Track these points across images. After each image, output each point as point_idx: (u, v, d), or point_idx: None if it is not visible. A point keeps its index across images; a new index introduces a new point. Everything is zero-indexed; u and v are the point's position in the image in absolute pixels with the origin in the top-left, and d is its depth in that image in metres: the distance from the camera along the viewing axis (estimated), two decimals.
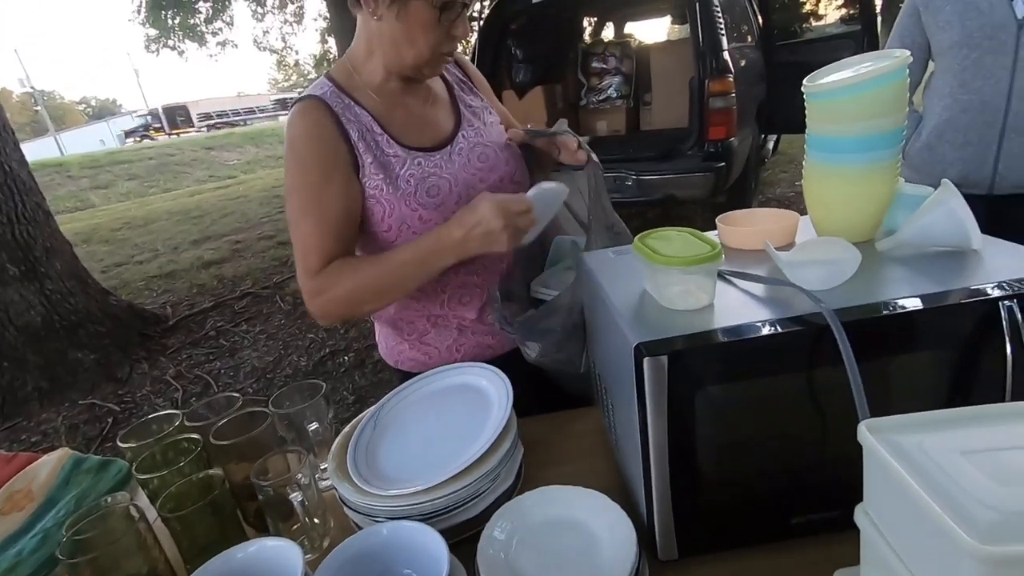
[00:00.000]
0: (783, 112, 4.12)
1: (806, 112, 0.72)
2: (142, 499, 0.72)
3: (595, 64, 4.26)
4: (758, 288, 0.63)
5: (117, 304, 3.54)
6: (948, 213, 0.64)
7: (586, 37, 5.23)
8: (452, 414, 0.79)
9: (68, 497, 0.77)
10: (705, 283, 0.60)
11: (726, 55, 3.22)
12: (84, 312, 3.25)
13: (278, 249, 5.34)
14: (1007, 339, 0.56)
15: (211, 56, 12.27)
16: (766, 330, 0.54)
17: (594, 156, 0.96)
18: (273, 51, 14.03)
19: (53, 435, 2.64)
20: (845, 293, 0.59)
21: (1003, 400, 0.57)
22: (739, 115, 3.39)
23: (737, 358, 0.55)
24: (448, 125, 0.95)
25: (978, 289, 0.57)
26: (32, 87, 44.46)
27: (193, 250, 5.80)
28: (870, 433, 0.39)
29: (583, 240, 0.96)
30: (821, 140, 0.70)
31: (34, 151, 14.55)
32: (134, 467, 0.71)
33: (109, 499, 0.70)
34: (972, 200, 1.59)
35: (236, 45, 12.76)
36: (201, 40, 11.97)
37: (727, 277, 0.66)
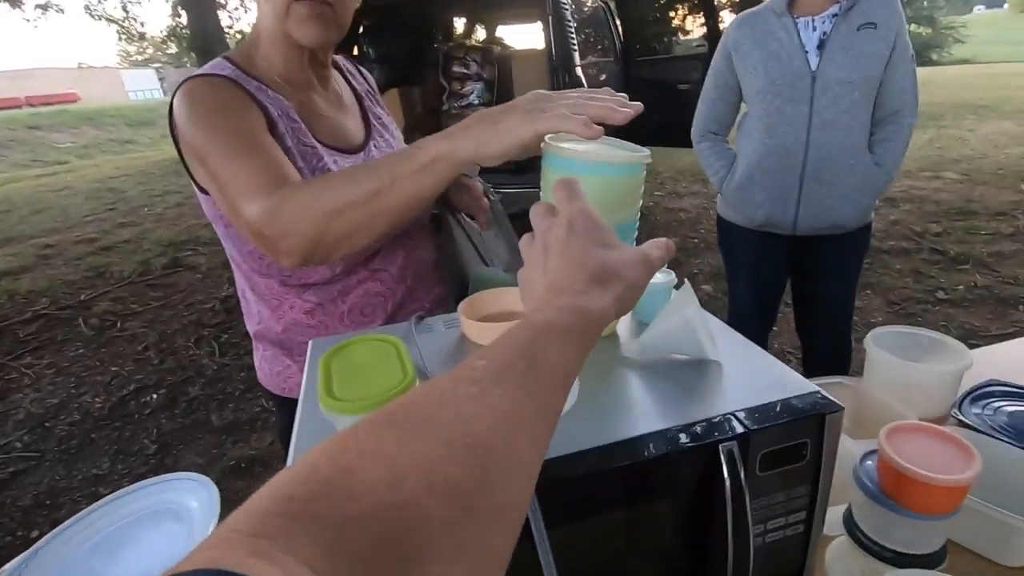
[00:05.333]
0: (642, 125, 4.24)
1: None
2: None
3: (456, 68, 4.11)
4: None
5: None
6: (683, 325, 0.55)
7: (454, 37, 5.06)
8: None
9: None
10: None
11: (579, 71, 3.22)
12: None
13: (98, 256, 4.58)
14: (727, 488, 0.48)
15: (29, 21, 10.48)
16: None
17: (498, 204, 0.95)
18: (112, 20, 12.29)
19: None
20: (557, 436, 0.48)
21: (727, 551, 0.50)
22: None
23: None
24: (359, 134, 0.90)
25: (700, 430, 0.49)
26: None
27: None
28: None
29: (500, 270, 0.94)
30: None
31: None
32: None
33: None
34: (778, 239, 1.67)
35: (62, 10, 11.00)
36: (14, 1, 10.18)
37: None
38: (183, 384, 2.58)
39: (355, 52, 3.74)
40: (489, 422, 0.28)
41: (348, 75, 0.98)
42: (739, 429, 0.49)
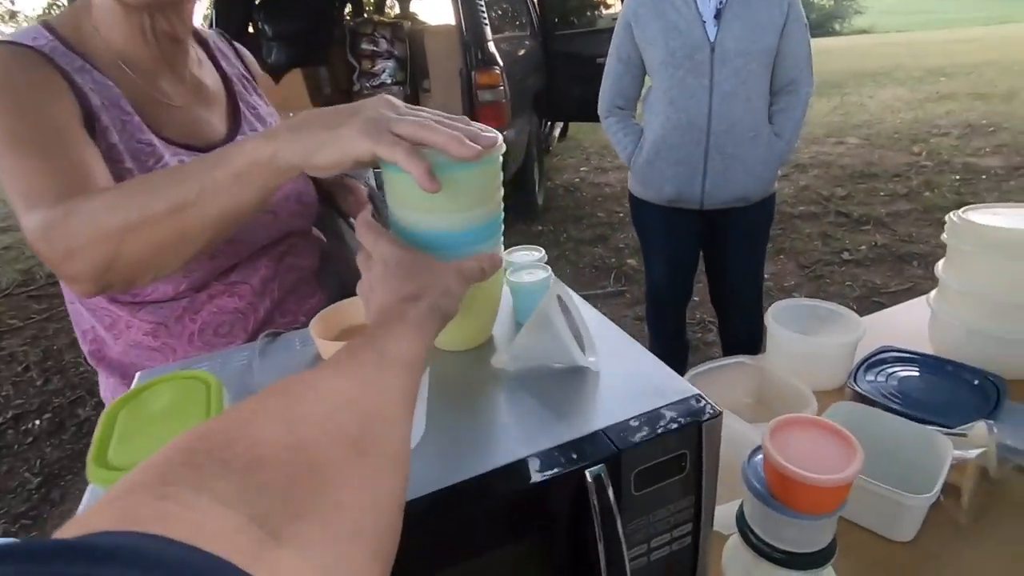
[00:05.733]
0: (563, 100, 4.20)
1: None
2: None
3: (365, 46, 3.89)
4: None
5: None
6: (549, 333, 0.49)
7: (363, 11, 4.79)
8: None
9: None
10: None
11: (491, 46, 3.11)
12: None
13: None
14: (595, 517, 0.43)
15: None
16: None
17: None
18: None
19: None
20: None
21: None
22: (513, 107, 3.32)
23: None
24: (221, 128, 0.77)
25: (565, 454, 0.43)
26: None
27: None
28: None
29: None
30: (402, 230, 0.50)
31: None
32: None
33: None
34: (688, 215, 1.65)
35: None
36: None
37: None
38: (72, 405, 2.33)
39: (250, 30, 3.45)
40: (359, 387, 0.32)
41: (218, 55, 0.84)
42: (609, 450, 0.43)
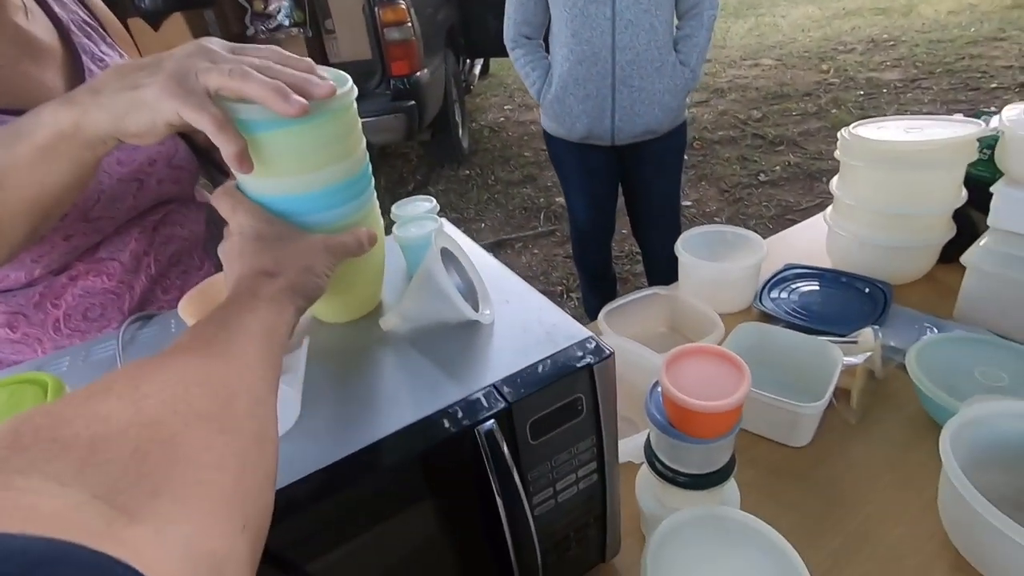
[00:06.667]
0: (480, 36, 4.01)
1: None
2: None
3: None
4: None
5: None
6: (434, 290, 0.47)
7: None
8: None
9: None
10: None
11: None
12: None
13: None
14: (491, 475, 0.42)
15: None
16: None
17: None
18: None
19: None
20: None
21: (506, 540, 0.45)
22: (425, 45, 3.14)
23: None
24: (57, 84, 0.66)
25: (454, 414, 0.42)
26: None
27: None
28: None
29: None
30: (250, 194, 0.45)
31: None
32: None
33: None
34: (601, 151, 1.64)
35: None
36: None
37: None
38: None
39: None
40: (213, 365, 0.30)
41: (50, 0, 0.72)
42: (498, 405, 0.42)
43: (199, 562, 0.21)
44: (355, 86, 0.43)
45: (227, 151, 0.36)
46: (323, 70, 0.42)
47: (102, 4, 0.80)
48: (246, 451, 0.27)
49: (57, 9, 0.71)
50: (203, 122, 0.35)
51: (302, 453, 0.39)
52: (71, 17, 0.73)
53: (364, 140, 0.47)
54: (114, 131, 0.39)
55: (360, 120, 0.46)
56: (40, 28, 0.69)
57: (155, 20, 2.99)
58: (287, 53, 0.41)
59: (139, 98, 0.37)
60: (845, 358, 0.76)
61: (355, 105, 0.44)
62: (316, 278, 0.40)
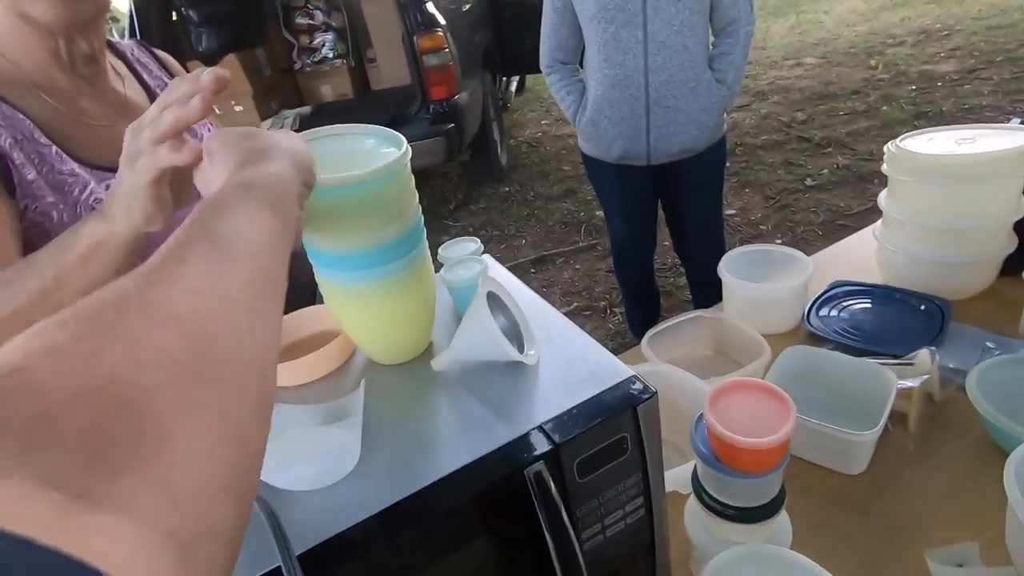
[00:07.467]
0: (515, 54, 4.07)
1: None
2: None
3: (300, 20, 3.70)
4: None
5: None
6: (480, 333, 0.50)
7: None
8: None
9: None
10: None
11: (430, 6, 2.98)
12: None
13: None
14: (541, 515, 0.44)
15: None
16: None
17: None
18: None
19: None
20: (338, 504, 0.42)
21: None
22: (462, 68, 3.22)
23: None
24: None
25: (504, 456, 0.44)
26: None
27: None
28: None
29: None
30: (316, 254, 0.50)
31: None
32: None
33: None
34: (638, 171, 1.64)
35: None
36: None
37: None
38: None
39: (173, 17, 3.26)
40: (188, 297, 0.25)
41: (139, 68, 0.80)
42: (546, 446, 0.44)
43: (167, 543, 0.18)
44: (409, 148, 0.47)
45: (175, 157, 0.43)
46: (376, 129, 0.47)
47: (178, 66, 0.89)
48: (228, 402, 0.24)
49: (145, 76, 0.81)
50: (166, 159, 0.44)
51: (364, 495, 0.42)
52: (156, 83, 0.82)
53: (416, 198, 0.50)
54: (139, 233, 0.48)
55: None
56: (133, 93, 0.78)
57: (211, 60, 3.19)
58: (171, 89, 0.44)
59: (127, 191, 0.47)
60: (900, 381, 0.74)
61: (408, 167, 0.48)
62: (305, 157, 0.40)
